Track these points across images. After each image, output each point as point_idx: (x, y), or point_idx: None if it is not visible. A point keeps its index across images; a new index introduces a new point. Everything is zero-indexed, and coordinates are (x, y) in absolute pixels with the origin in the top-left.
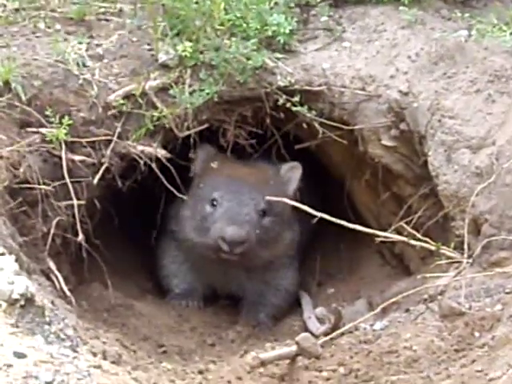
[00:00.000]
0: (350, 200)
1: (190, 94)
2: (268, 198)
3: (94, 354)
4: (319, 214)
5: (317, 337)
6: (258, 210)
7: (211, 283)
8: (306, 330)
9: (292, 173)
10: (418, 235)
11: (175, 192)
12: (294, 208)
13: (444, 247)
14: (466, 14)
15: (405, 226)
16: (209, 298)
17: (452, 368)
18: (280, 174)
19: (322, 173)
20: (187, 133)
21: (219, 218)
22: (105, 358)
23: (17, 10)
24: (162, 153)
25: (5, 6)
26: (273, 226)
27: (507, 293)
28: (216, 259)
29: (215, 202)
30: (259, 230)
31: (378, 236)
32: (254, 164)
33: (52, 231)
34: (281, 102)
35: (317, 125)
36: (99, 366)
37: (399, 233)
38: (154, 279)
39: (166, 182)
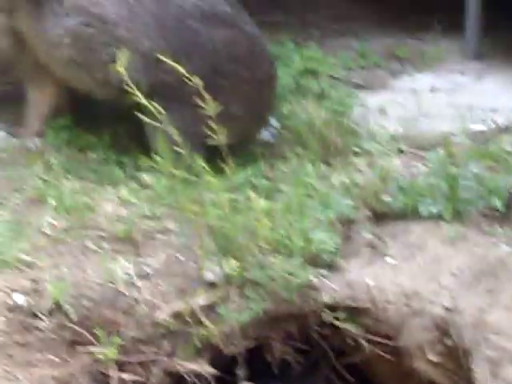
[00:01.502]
0: None
1: (237, 311)
2: None
3: None
4: None
5: None
6: None
7: None
8: None
9: None
10: None
11: None
12: None
13: None
14: (507, 229)
15: None
16: None
17: None
18: None
19: None
20: (234, 350)
21: None
22: None
23: (65, 229)
24: (209, 371)
25: (53, 225)
26: None
27: None
28: None
29: None
30: None
31: None
32: None
33: None
34: (326, 318)
35: (362, 340)
36: None
37: None
38: None
39: None
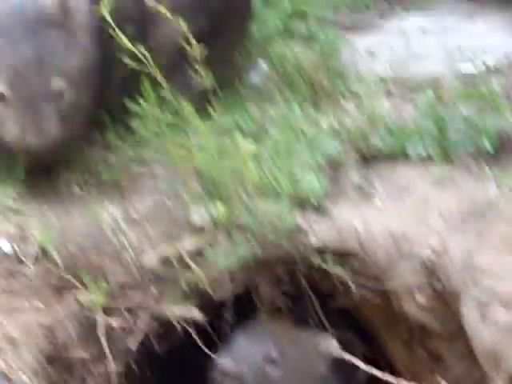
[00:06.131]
0: (384, 357)
1: (225, 255)
2: None
3: None
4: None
5: None
6: (265, 353)
7: None
8: None
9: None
10: None
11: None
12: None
13: None
14: (496, 170)
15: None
16: None
17: None
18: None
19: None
20: (223, 294)
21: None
22: None
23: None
24: (197, 315)
25: None
26: (283, 379)
27: None
28: None
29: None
30: (263, 378)
31: None
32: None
33: None
34: (314, 262)
35: (351, 284)
36: None
37: None
38: None
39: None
